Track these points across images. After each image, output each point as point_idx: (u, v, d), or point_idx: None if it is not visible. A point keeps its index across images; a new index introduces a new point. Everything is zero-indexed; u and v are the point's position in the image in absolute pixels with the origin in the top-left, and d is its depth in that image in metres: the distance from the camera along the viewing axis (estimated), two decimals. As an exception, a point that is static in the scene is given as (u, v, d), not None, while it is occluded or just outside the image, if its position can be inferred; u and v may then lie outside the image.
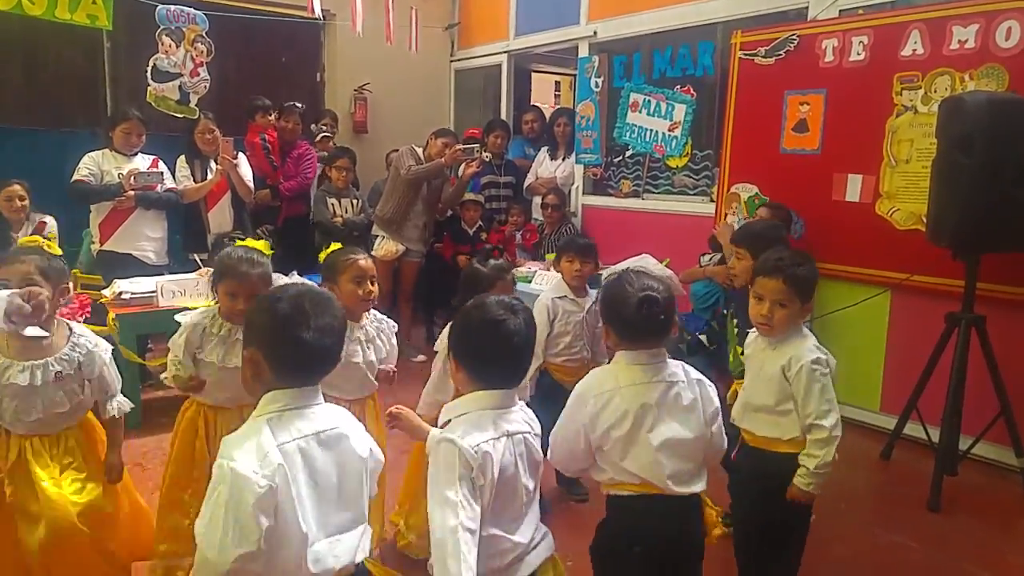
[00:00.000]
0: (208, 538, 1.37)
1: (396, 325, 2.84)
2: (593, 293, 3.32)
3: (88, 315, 3.74)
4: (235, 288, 2.34)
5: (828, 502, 3.28)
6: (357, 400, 2.64)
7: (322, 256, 2.75)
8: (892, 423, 3.91)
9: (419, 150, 5.32)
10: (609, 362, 2.02)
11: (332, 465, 1.49)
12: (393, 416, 2.07)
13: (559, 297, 3.28)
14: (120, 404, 2.41)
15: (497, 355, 1.66)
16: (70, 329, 2.29)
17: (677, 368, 1.95)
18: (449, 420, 1.65)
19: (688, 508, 1.92)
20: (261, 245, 2.51)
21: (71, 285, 2.35)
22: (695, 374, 1.97)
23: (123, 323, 3.95)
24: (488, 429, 1.59)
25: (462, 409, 1.65)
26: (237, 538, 1.35)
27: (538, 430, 1.74)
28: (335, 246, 2.76)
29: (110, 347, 2.42)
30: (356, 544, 1.53)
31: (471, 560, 1.46)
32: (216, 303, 2.45)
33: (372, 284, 2.62)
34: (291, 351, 1.49)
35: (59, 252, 2.39)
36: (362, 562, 1.55)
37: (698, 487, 1.92)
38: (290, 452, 1.43)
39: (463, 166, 5.35)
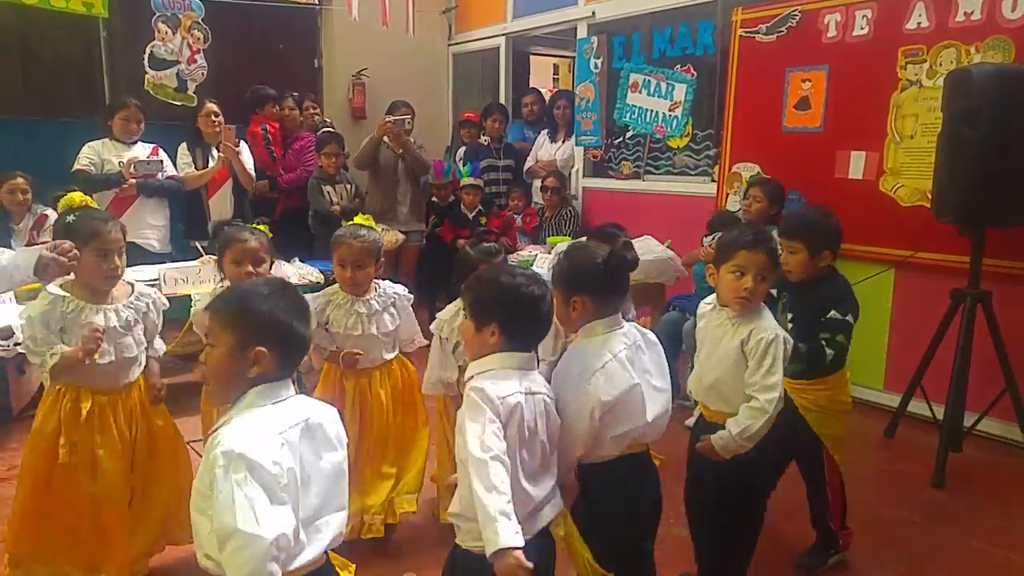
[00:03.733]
0: (242, 520, 1.31)
1: (412, 297, 2.89)
2: None
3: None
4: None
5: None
6: (366, 369, 2.73)
7: None
8: (896, 401, 3.88)
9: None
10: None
11: (315, 453, 1.50)
12: None
13: None
14: (161, 345, 2.66)
15: (528, 317, 1.76)
16: (131, 286, 2.50)
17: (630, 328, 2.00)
18: (474, 375, 1.73)
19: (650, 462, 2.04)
20: (263, 229, 2.62)
21: None
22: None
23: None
24: (513, 384, 1.69)
25: (489, 366, 1.73)
26: (272, 517, 1.33)
27: (552, 395, 1.81)
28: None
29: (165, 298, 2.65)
30: (339, 529, 1.54)
31: (504, 486, 1.55)
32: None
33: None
34: (299, 344, 1.56)
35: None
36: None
37: None
38: (290, 440, 1.45)
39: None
